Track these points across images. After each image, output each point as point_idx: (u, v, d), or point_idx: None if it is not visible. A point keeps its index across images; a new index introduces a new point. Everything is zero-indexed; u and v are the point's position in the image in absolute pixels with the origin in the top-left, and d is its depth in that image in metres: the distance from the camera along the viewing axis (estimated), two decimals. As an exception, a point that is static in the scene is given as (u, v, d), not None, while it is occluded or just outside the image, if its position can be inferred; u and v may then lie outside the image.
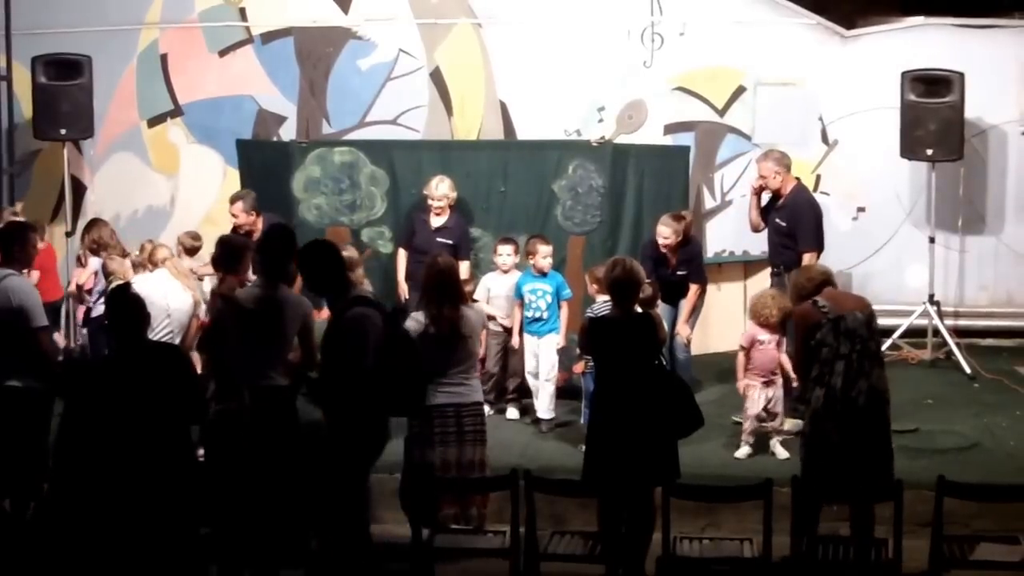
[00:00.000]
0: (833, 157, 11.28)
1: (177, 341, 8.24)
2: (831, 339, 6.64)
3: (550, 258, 8.99)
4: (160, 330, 8.13)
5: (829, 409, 6.68)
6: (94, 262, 9.39)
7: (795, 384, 7.79)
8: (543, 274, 8.96)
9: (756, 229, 9.51)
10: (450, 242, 9.23)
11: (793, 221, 9.07)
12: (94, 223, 9.73)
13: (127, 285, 7.31)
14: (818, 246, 9.07)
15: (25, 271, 7.53)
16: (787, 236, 9.09)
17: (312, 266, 6.64)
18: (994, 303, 11.29)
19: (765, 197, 9.36)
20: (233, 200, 9.54)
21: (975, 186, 11.15)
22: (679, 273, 9.12)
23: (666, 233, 8.97)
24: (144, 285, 8.06)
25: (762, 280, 10.13)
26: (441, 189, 9.26)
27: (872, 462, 6.65)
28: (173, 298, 8.41)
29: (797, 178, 9.38)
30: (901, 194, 11.20)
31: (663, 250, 8.99)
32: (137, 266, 8.99)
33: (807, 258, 8.83)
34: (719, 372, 9.93)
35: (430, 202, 9.30)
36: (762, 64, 11.14)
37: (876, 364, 6.75)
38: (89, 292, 9.43)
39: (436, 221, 9.33)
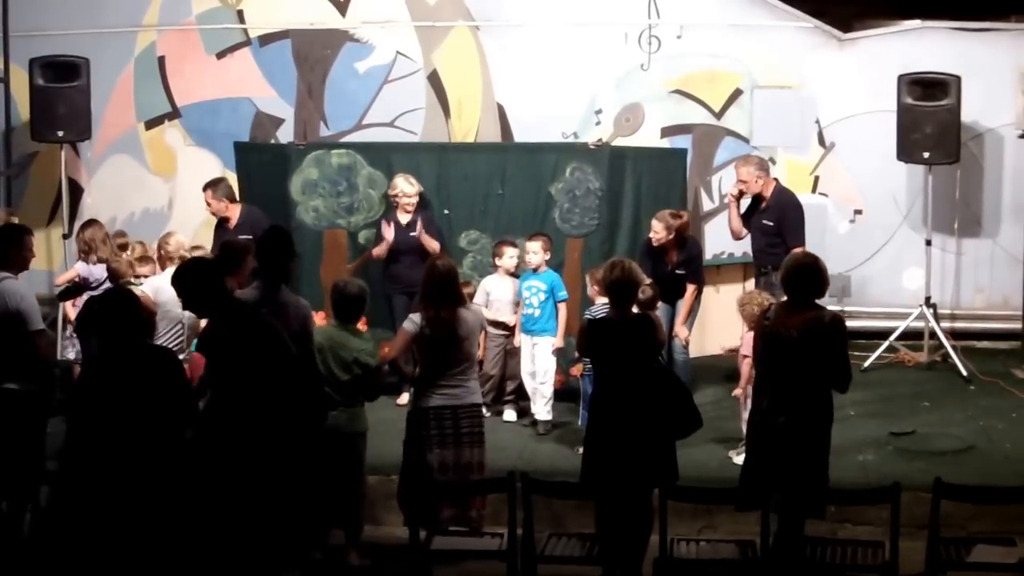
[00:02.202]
0: (830, 160, 11.29)
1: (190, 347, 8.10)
2: (765, 354, 6.63)
3: (541, 254, 8.99)
4: (172, 336, 8.05)
5: (749, 425, 6.82)
6: (79, 266, 9.30)
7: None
8: (534, 270, 9.01)
9: (739, 236, 9.68)
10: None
11: (781, 220, 9.28)
12: (89, 224, 9.65)
13: (116, 289, 7.24)
14: (804, 242, 9.24)
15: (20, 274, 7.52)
16: (775, 235, 9.26)
17: (188, 285, 6.39)
18: (990, 306, 11.29)
19: (743, 203, 9.49)
20: (215, 185, 9.58)
21: (971, 189, 11.15)
22: (678, 272, 9.14)
23: (656, 227, 8.99)
24: (157, 288, 8.00)
25: (762, 282, 10.14)
26: (409, 190, 9.37)
27: (796, 478, 6.48)
28: None
29: (775, 179, 9.61)
30: (898, 197, 11.20)
31: (656, 245, 9.03)
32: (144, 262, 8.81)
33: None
34: (717, 374, 9.92)
35: (398, 201, 9.39)
36: (759, 67, 11.15)
37: (809, 384, 6.46)
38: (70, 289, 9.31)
39: (404, 218, 9.40)
